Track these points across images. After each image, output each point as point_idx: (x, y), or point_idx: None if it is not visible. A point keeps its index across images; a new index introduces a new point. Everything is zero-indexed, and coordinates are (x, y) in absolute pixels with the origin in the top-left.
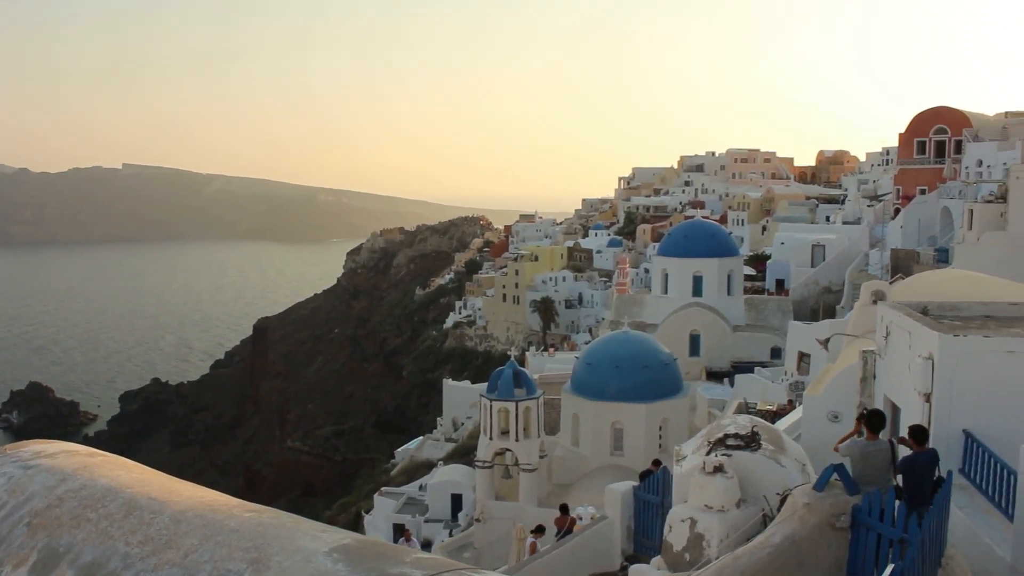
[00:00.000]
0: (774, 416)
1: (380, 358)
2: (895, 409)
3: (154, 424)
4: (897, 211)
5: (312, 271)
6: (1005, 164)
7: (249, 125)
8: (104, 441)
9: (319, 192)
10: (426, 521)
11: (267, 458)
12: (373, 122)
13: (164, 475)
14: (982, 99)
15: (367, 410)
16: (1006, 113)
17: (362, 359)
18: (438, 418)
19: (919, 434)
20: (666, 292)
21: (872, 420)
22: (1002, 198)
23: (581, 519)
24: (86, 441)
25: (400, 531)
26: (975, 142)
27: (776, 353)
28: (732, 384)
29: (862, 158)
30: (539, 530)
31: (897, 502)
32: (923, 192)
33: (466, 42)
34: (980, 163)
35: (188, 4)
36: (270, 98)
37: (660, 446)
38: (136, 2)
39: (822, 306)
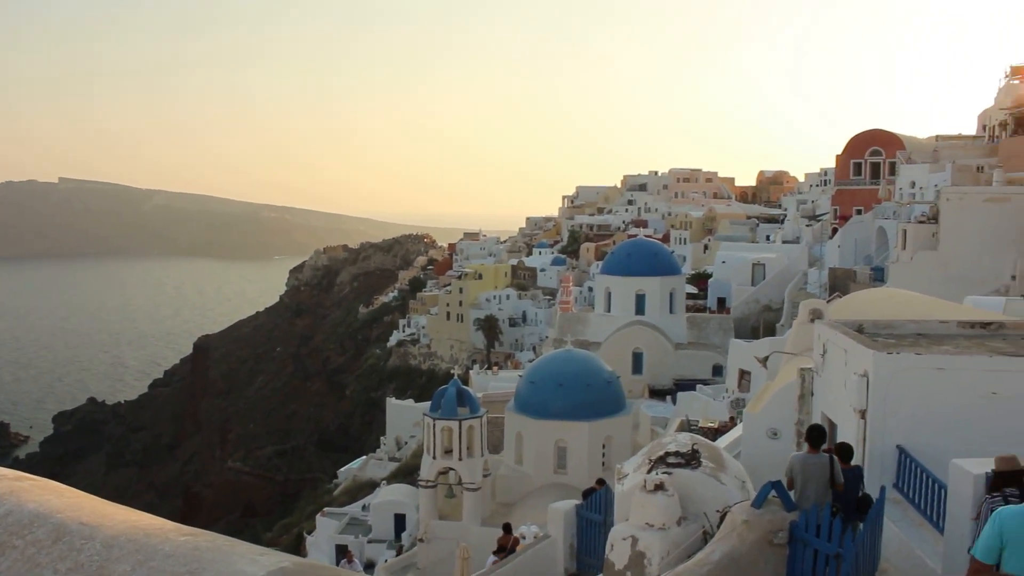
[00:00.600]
0: (716, 433)
1: (323, 376)
2: (832, 425)
3: (89, 445)
4: (835, 231)
5: (254, 288)
6: (936, 186)
7: (192, 140)
8: (37, 464)
9: (262, 208)
10: (369, 542)
11: (207, 479)
12: (318, 139)
13: (97, 499)
14: (914, 123)
15: (310, 429)
16: (937, 136)
17: (305, 377)
18: (381, 437)
19: (844, 452)
20: (609, 310)
21: (812, 434)
22: (933, 219)
23: (524, 538)
24: (16, 464)
25: (343, 552)
26: (908, 164)
27: (718, 371)
28: (674, 402)
29: (801, 178)
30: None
31: (834, 517)
32: (859, 212)
33: (411, 60)
34: (913, 184)
35: (129, 16)
36: (213, 113)
37: (604, 464)
38: (74, 13)
39: (762, 324)
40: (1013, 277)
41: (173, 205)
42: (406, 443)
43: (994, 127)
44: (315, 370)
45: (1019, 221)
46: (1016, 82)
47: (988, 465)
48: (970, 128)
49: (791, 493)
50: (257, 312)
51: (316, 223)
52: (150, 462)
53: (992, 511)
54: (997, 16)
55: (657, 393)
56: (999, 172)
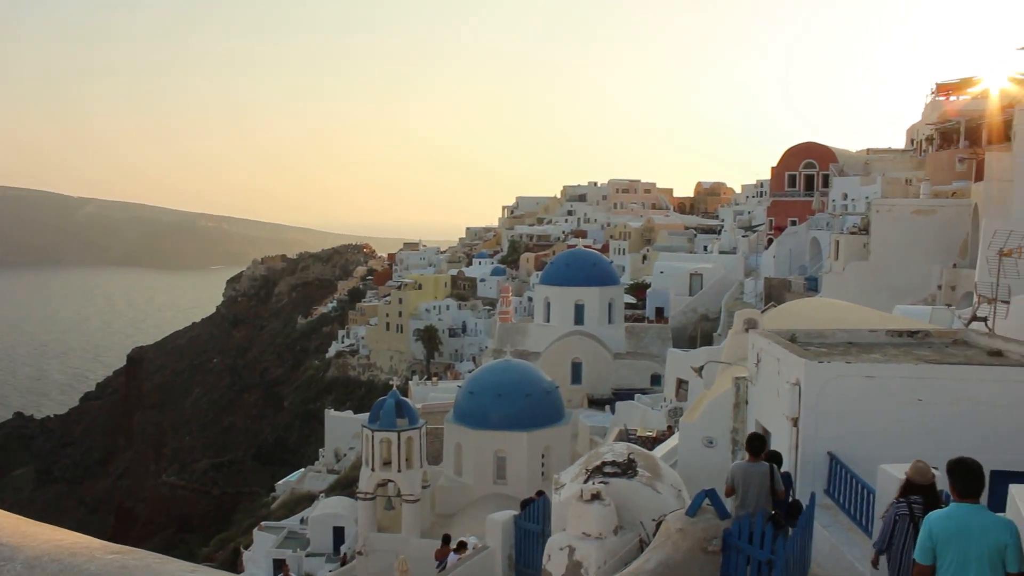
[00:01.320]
0: (654, 442)
1: (261, 388)
2: (766, 433)
3: (16, 461)
4: (770, 241)
5: (190, 299)
6: (867, 198)
7: (126, 148)
8: None
9: (199, 218)
10: (307, 555)
11: (141, 494)
12: (257, 148)
13: (19, 517)
14: (846, 136)
15: (247, 442)
16: (868, 150)
17: (242, 389)
18: (320, 449)
19: (771, 459)
20: (548, 320)
21: (752, 443)
22: (865, 230)
23: (449, 557)
24: None
25: (280, 567)
26: (840, 177)
27: (656, 380)
28: (613, 411)
29: (738, 190)
30: (461, 547)
31: (774, 525)
32: (794, 223)
33: (350, 69)
34: (845, 196)
35: (58, 21)
36: (149, 122)
37: (543, 474)
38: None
39: (699, 333)
40: (939, 287)
41: (106, 213)
42: (345, 455)
43: (921, 141)
44: (252, 382)
45: (945, 232)
46: (942, 99)
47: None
48: (899, 142)
49: (731, 500)
50: (193, 323)
51: (254, 233)
52: (81, 478)
53: (897, 515)
54: (925, 36)
55: (596, 402)
56: (926, 185)
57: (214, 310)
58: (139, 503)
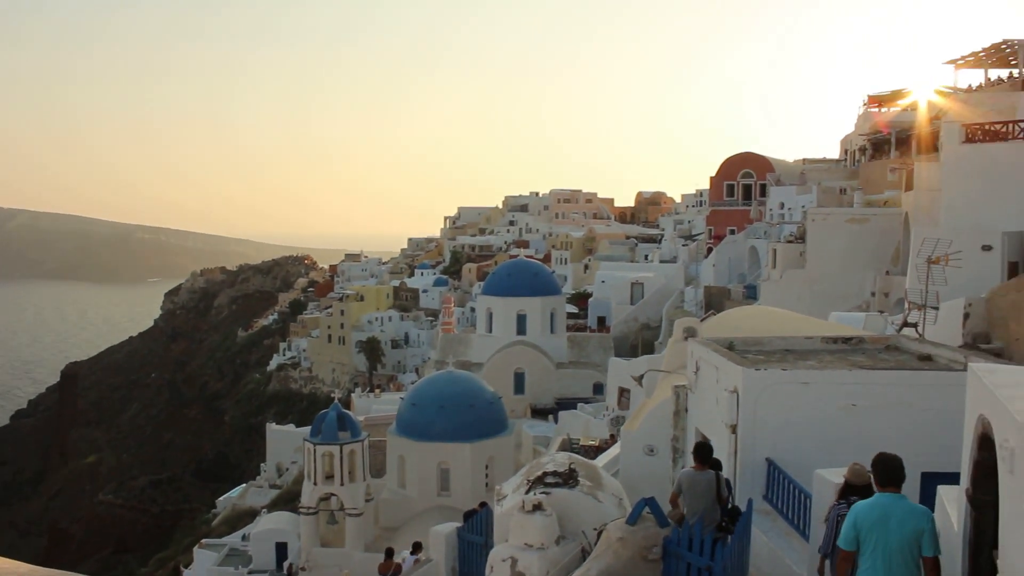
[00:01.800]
0: (596, 451)
1: (200, 403)
2: (706, 440)
3: None
4: (710, 250)
5: (127, 313)
6: (803, 207)
7: (58, 158)
8: None
9: (136, 230)
10: (249, 572)
11: (76, 514)
12: (196, 158)
13: None
14: (783, 147)
15: (187, 458)
16: (803, 160)
17: (181, 404)
18: (262, 464)
19: (702, 453)
20: (491, 331)
21: (699, 451)
22: (801, 238)
23: (405, 562)
24: None
25: None
26: (777, 186)
27: (599, 389)
28: (556, 420)
29: (678, 199)
30: (417, 547)
31: (724, 532)
32: (732, 232)
33: (291, 78)
34: (782, 206)
35: None
36: (82, 132)
37: (487, 485)
38: None
39: (641, 342)
40: (873, 293)
41: (37, 225)
42: (287, 469)
43: (854, 152)
44: (192, 396)
45: (878, 240)
46: (873, 110)
47: (841, 476)
48: (833, 152)
49: (677, 509)
50: (130, 337)
51: (193, 244)
52: (11, 499)
53: (838, 516)
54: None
55: (539, 412)
56: (859, 194)
57: (151, 324)
58: (74, 524)
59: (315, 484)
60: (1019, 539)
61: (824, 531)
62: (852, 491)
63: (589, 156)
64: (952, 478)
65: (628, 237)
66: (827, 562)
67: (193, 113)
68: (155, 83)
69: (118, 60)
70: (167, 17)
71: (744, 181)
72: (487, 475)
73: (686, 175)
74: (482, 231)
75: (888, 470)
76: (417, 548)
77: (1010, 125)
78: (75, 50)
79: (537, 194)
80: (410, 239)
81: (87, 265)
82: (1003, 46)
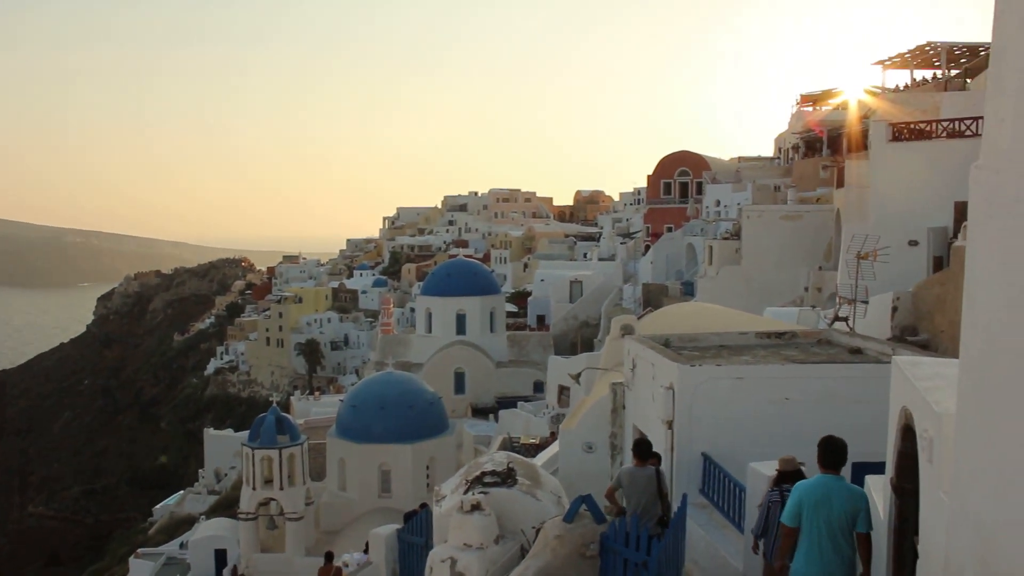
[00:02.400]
0: (537, 449)
1: (136, 409)
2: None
3: None
4: (647, 248)
5: (57, 318)
6: (739, 204)
7: None
8: None
9: (66, 233)
10: None
11: (4, 528)
12: (127, 160)
13: None
14: (718, 145)
15: (122, 466)
16: (739, 158)
17: (116, 411)
18: (200, 470)
19: (641, 449)
20: (430, 331)
21: (638, 448)
22: (736, 235)
23: (347, 566)
24: None
25: None
26: (713, 184)
27: (539, 387)
28: (497, 419)
29: (616, 198)
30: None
31: (666, 527)
32: (670, 230)
33: (223, 78)
34: (718, 203)
35: None
36: (10, 133)
37: (428, 486)
38: None
39: (580, 340)
40: (806, 289)
41: None
42: (226, 475)
43: (788, 150)
44: (127, 403)
45: (811, 236)
46: (806, 109)
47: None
48: (768, 151)
49: (613, 504)
50: (61, 343)
51: (126, 248)
52: None
53: (771, 501)
54: (792, 48)
55: (480, 412)
56: (793, 191)
57: (84, 329)
58: (2, 538)
59: (254, 489)
60: (937, 525)
61: (758, 515)
62: (784, 478)
63: (528, 155)
64: (882, 468)
65: (567, 236)
66: (760, 543)
67: (123, 115)
68: (84, 85)
69: (43, 62)
70: (86, 18)
71: (681, 179)
72: (428, 476)
73: (624, 174)
74: (421, 231)
75: (832, 452)
76: (329, 570)
77: (934, 124)
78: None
79: (476, 193)
80: (349, 240)
81: (14, 270)
82: (927, 48)
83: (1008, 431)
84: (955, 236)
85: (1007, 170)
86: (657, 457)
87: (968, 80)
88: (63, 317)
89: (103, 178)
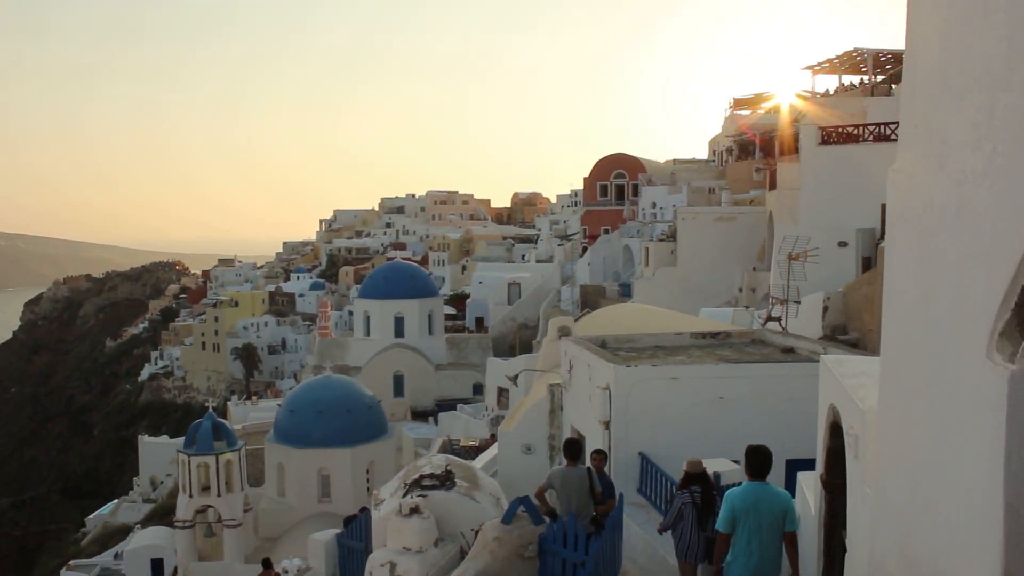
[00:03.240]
0: (477, 451)
1: (67, 417)
2: (581, 437)
3: None
4: (585, 249)
5: None
6: (674, 206)
7: None
8: None
9: None
10: None
11: None
12: (55, 159)
13: None
14: (654, 148)
15: (53, 476)
16: (674, 160)
17: (45, 419)
18: (135, 478)
19: (571, 449)
20: (368, 334)
21: (569, 448)
22: (672, 237)
23: (287, 572)
24: None
25: None
26: (649, 186)
27: (478, 389)
28: (436, 422)
29: (553, 200)
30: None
31: (599, 526)
32: (607, 231)
33: (158, 79)
34: (654, 205)
35: None
36: None
37: (369, 490)
38: None
39: (519, 342)
40: (741, 289)
41: None
42: (162, 483)
43: (722, 153)
44: (57, 410)
45: (745, 238)
46: (739, 112)
47: (713, 466)
48: (702, 153)
49: (543, 504)
50: None
51: (54, 251)
52: None
53: (683, 503)
54: (725, 52)
55: (419, 415)
56: (727, 194)
57: (10, 336)
58: None
59: (191, 496)
60: (863, 519)
61: (669, 512)
62: (691, 480)
63: (465, 157)
64: (813, 464)
65: (505, 238)
66: (675, 541)
67: (47, 114)
68: (9, 83)
69: None
70: (19, 15)
71: (617, 181)
72: (368, 480)
73: (561, 176)
74: (358, 234)
75: (759, 461)
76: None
77: (861, 128)
78: None
79: (414, 196)
80: (285, 243)
81: None
82: (854, 54)
83: (922, 424)
84: (882, 237)
85: (920, 173)
86: (603, 456)
87: (893, 86)
88: None
89: (28, 179)
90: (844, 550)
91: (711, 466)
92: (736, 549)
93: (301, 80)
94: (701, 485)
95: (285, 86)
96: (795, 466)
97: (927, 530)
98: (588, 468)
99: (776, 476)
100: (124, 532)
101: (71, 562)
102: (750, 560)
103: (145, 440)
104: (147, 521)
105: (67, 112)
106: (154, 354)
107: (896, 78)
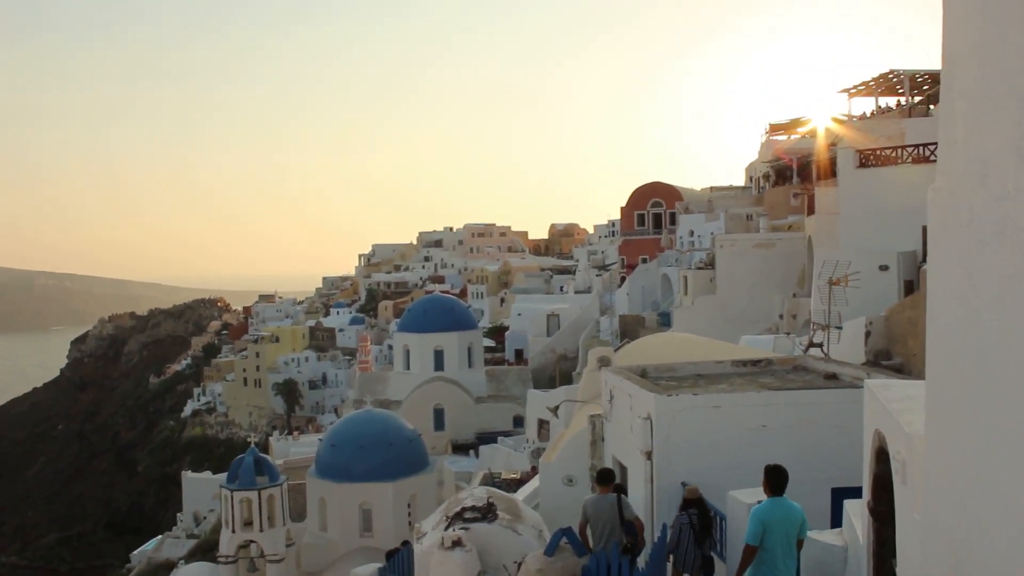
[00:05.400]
0: (518, 484)
1: (112, 453)
2: (623, 468)
3: None
4: (623, 279)
5: (30, 362)
6: (712, 233)
7: None
8: None
9: (37, 276)
10: None
11: None
12: (99, 201)
13: None
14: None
15: (98, 512)
16: (710, 188)
17: (91, 456)
18: (178, 514)
19: (605, 477)
20: (408, 368)
21: (601, 475)
22: (710, 264)
23: None
24: None
25: None
26: (686, 214)
27: (519, 422)
28: (477, 455)
29: (591, 230)
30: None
31: (626, 552)
32: (645, 261)
33: (195, 117)
34: (691, 233)
35: None
36: None
37: (410, 524)
38: None
39: (559, 373)
40: (781, 316)
41: None
42: (205, 518)
43: (759, 179)
44: (103, 447)
45: (784, 264)
46: (775, 138)
47: (760, 495)
48: (739, 180)
49: (588, 534)
50: (34, 388)
51: (99, 290)
52: None
53: (681, 524)
54: (760, 78)
55: (460, 448)
56: (765, 220)
57: (58, 373)
58: None
59: (233, 532)
60: (913, 546)
61: (671, 534)
62: (688, 504)
63: (502, 190)
64: (859, 492)
65: (543, 269)
66: (671, 557)
67: (92, 155)
68: (52, 126)
69: (8, 102)
70: (52, 58)
71: (654, 210)
72: (410, 513)
73: (598, 206)
74: (397, 268)
75: (778, 480)
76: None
77: (899, 150)
78: None
79: (451, 229)
80: (325, 278)
81: None
82: (890, 76)
83: (972, 447)
84: (924, 260)
85: (961, 190)
86: (617, 485)
87: (931, 106)
88: (35, 361)
89: (74, 220)
90: None
91: (754, 495)
92: (762, 559)
93: (339, 115)
94: (698, 509)
95: (323, 121)
96: (841, 494)
97: (981, 557)
98: (618, 495)
99: (821, 505)
100: (168, 568)
101: None
102: (775, 568)
103: (188, 476)
104: (190, 556)
105: (110, 153)
106: (196, 390)
107: (934, 98)
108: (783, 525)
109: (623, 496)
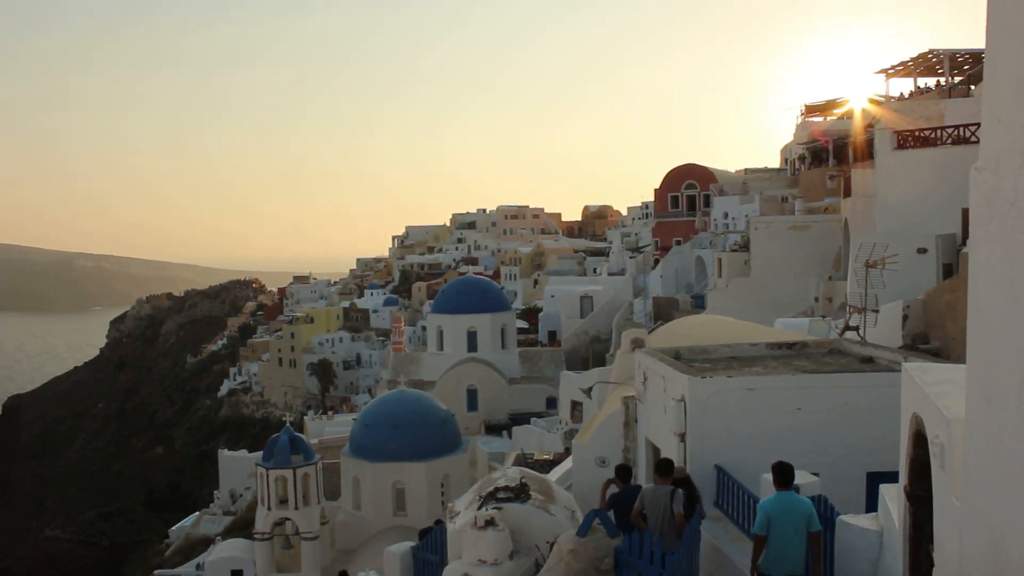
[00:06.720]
0: (551, 465)
1: (150, 432)
2: (656, 450)
3: None
4: (657, 261)
5: (70, 343)
6: (746, 216)
7: None
8: None
9: (77, 257)
10: None
11: (20, 552)
12: (138, 183)
13: None
14: (724, 157)
15: (137, 488)
16: (745, 170)
17: (130, 434)
18: (215, 491)
19: (623, 472)
20: (442, 349)
21: (659, 466)
22: (745, 247)
23: None
24: None
25: None
26: (720, 196)
27: (551, 403)
28: (510, 436)
29: (624, 212)
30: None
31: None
32: (678, 243)
33: (231, 102)
34: (726, 215)
35: None
36: (21, 157)
37: (443, 503)
38: None
39: (592, 355)
40: (816, 299)
41: None
42: (241, 496)
43: (794, 161)
44: (141, 426)
45: (819, 246)
46: (811, 119)
47: (799, 478)
48: (774, 162)
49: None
50: (75, 368)
51: (137, 271)
52: None
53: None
54: (795, 59)
55: (493, 428)
56: (800, 202)
57: (97, 353)
58: (18, 562)
59: (269, 509)
60: (950, 532)
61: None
62: (676, 484)
63: (535, 171)
64: (895, 477)
65: (576, 251)
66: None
67: (132, 138)
68: (90, 111)
69: (60, 87)
70: (87, 42)
71: (688, 192)
72: (443, 493)
73: (631, 188)
74: (431, 249)
75: (784, 475)
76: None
77: (938, 131)
78: (14, 77)
79: (484, 211)
80: (359, 259)
81: (24, 295)
82: (930, 56)
83: (1013, 431)
84: (964, 243)
85: (1005, 170)
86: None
87: (972, 87)
88: (76, 341)
89: (113, 202)
90: (932, 564)
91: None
92: (771, 549)
93: (373, 96)
94: (684, 487)
95: (358, 103)
96: (877, 478)
97: (1021, 543)
98: (673, 488)
99: (857, 489)
100: (205, 543)
101: (155, 572)
102: (782, 556)
103: (225, 454)
104: (227, 533)
105: (150, 136)
106: (232, 370)
107: (975, 79)
108: (789, 517)
109: (677, 491)
